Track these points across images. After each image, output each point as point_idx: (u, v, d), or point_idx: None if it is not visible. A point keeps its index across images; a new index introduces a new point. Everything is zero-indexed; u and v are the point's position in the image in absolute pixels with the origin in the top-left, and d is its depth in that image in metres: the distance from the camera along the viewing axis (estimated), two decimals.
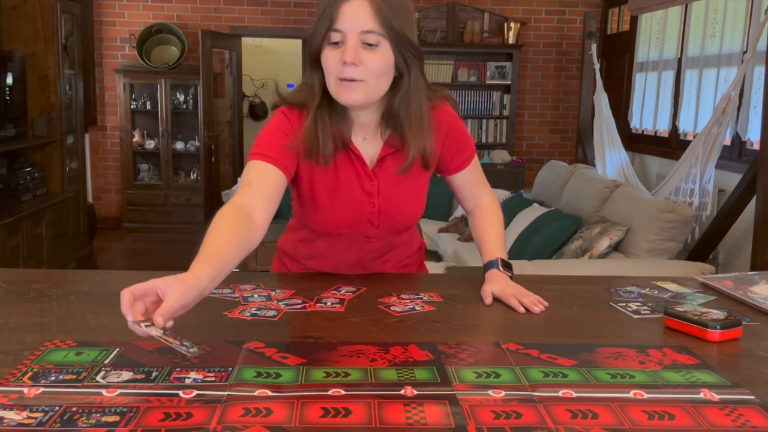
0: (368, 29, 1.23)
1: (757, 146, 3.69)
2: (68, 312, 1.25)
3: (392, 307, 1.32)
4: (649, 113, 5.30)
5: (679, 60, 4.82)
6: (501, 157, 5.94)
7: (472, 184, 1.55)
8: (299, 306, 1.31)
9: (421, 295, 1.40)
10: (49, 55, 4.83)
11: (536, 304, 1.32)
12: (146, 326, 0.93)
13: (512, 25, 6.32)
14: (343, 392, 0.93)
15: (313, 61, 1.30)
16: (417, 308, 1.32)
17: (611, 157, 5.03)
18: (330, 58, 1.25)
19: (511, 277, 1.44)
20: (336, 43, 1.24)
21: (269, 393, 0.92)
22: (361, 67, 1.24)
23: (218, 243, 1.11)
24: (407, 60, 1.28)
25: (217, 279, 1.06)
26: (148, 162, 6.59)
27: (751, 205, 3.47)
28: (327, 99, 1.31)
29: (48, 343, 1.08)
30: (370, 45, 1.24)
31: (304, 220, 1.47)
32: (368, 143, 1.40)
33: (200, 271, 1.03)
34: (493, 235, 1.52)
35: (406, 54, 1.27)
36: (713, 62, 4.34)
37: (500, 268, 1.43)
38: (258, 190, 1.25)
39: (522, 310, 1.32)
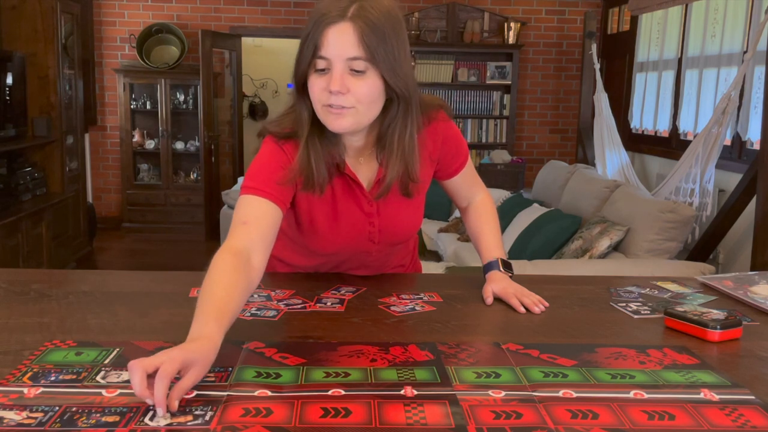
0: (354, 56, 1.16)
1: (757, 146, 3.69)
2: (68, 312, 1.25)
3: (392, 307, 1.32)
4: (649, 113, 5.30)
5: (680, 60, 4.81)
6: (501, 157, 5.94)
7: (467, 184, 1.55)
8: (299, 306, 1.31)
9: (421, 295, 1.40)
10: (49, 55, 4.83)
11: (537, 304, 1.33)
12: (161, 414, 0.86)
13: (512, 25, 6.32)
14: (343, 392, 0.93)
15: (299, 87, 1.24)
16: (417, 308, 1.32)
17: (611, 157, 5.03)
18: (316, 86, 1.19)
19: (511, 277, 1.44)
20: (322, 70, 1.18)
21: (269, 393, 0.92)
22: (349, 95, 1.18)
23: (225, 298, 1.05)
24: (395, 88, 1.22)
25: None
26: (148, 162, 6.58)
27: (751, 205, 3.47)
28: (317, 126, 1.26)
29: (48, 343, 1.08)
30: (357, 71, 1.17)
31: (302, 243, 1.44)
32: (364, 166, 1.36)
33: (216, 336, 0.98)
34: (490, 234, 1.52)
35: (395, 82, 1.20)
36: (713, 62, 4.34)
37: (501, 268, 1.44)
38: (254, 230, 1.20)
39: (522, 310, 1.32)
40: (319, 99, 1.20)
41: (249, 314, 1.25)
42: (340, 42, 1.16)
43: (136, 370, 0.87)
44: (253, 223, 1.21)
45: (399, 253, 1.57)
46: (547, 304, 1.34)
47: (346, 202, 1.37)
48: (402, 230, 1.44)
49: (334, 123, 1.21)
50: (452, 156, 1.46)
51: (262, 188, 1.24)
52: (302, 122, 1.26)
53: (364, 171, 1.36)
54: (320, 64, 1.18)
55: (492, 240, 1.51)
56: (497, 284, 1.39)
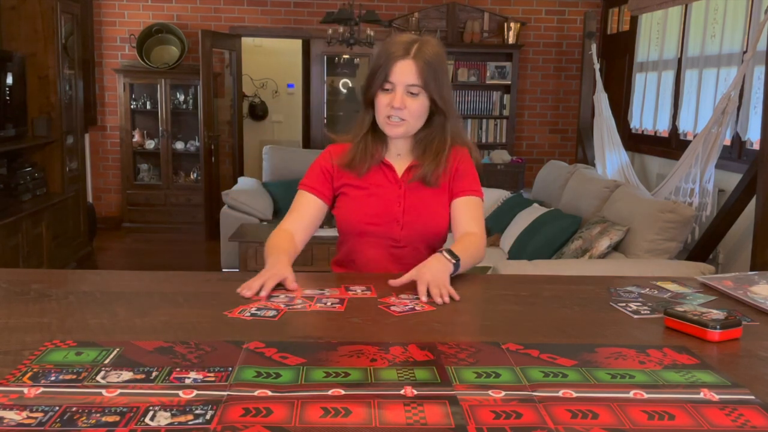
0: (412, 83, 1.60)
1: (757, 146, 3.69)
2: (68, 312, 1.25)
3: (392, 307, 1.32)
4: (649, 113, 5.30)
5: (679, 60, 4.81)
6: (501, 157, 5.94)
7: (467, 215, 1.66)
8: (299, 306, 1.31)
9: None
10: (49, 55, 4.83)
11: (444, 296, 1.35)
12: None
13: (512, 25, 6.32)
14: (343, 392, 0.93)
15: (367, 102, 1.67)
16: (417, 308, 1.32)
17: (611, 157, 5.03)
18: (382, 101, 1.62)
19: (455, 265, 1.47)
20: (387, 90, 1.61)
21: (269, 393, 0.92)
22: (405, 111, 1.61)
23: (286, 248, 1.57)
24: (440, 106, 1.63)
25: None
26: (148, 162, 6.58)
27: (751, 205, 3.47)
28: (373, 129, 1.68)
29: (48, 343, 1.08)
30: (413, 94, 1.60)
31: (338, 223, 1.71)
32: (401, 159, 1.71)
33: (287, 263, 1.50)
34: (462, 244, 1.58)
35: (439, 103, 1.63)
36: (713, 62, 4.34)
37: (444, 253, 1.48)
38: (300, 218, 1.67)
39: (424, 297, 1.35)
40: (383, 111, 1.62)
41: (249, 314, 1.25)
42: (404, 73, 1.59)
43: (256, 278, 1.40)
44: (299, 211, 1.69)
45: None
46: (457, 298, 1.37)
47: (378, 183, 1.69)
48: (425, 217, 1.66)
49: (392, 131, 1.64)
50: (460, 177, 1.69)
51: (310, 185, 1.70)
52: (363, 125, 1.69)
53: (400, 164, 1.71)
54: (387, 86, 1.61)
55: (460, 246, 1.57)
56: (420, 268, 1.43)
